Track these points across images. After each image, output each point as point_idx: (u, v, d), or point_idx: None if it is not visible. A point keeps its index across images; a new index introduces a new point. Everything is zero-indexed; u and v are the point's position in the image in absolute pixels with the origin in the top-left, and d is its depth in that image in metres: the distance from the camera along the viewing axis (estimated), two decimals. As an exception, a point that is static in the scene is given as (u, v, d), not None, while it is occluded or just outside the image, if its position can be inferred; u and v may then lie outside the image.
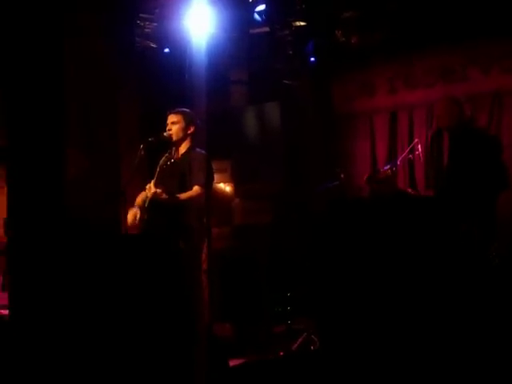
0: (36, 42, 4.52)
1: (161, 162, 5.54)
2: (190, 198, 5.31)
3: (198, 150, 5.57)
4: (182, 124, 5.55)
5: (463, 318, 4.23)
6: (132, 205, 5.66)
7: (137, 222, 5.46)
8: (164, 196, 5.23)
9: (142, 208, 5.47)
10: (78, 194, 4.79)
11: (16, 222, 4.54)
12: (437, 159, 7.57)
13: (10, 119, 4.57)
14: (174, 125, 5.56)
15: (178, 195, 5.32)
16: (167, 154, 5.59)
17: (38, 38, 4.53)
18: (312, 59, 8.00)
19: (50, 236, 4.54)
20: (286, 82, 8.35)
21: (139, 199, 5.57)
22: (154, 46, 7.68)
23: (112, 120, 5.40)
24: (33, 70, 4.55)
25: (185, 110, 5.63)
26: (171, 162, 5.40)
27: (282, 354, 6.47)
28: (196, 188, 5.35)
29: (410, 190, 6.79)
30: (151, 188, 5.27)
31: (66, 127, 4.83)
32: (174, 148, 5.62)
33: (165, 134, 5.55)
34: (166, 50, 7.68)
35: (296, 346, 6.44)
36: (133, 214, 5.49)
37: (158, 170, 5.44)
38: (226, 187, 8.19)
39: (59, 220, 4.59)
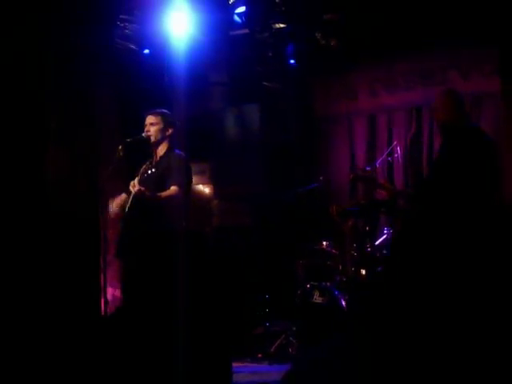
0: (13, 40, 4.57)
1: (141, 170, 5.54)
2: (170, 197, 5.33)
3: (176, 151, 5.56)
4: (161, 125, 5.52)
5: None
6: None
7: (123, 204, 5.51)
8: (147, 194, 5.24)
9: (121, 211, 5.53)
10: (58, 189, 4.85)
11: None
12: (416, 162, 7.70)
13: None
14: (152, 126, 5.53)
15: (159, 194, 5.32)
16: (148, 163, 5.59)
17: (15, 35, 4.58)
18: (292, 62, 8.02)
19: (30, 231, 4.60)
20: (266, 84, 8.38)
21: (116, 203, 5.62)
22: (133, 47, 7.70)
23: (92, 117, 5.46)
24: (11, 68, 4.59)
25: (164, 111, 5.61)
26: (152, 172, 5.45)
27: (260, 355, 6.56)
28: (174, 188, 5.34)
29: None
30: (135, 185, 5.28)
31: (47, 127, 4.89)
32: (154, 156, 5.65)
33: (143, 134, 5.52)
34: (146, 52, 7.68)
35: (275, 347, 6.54)
36: (120, 199, 5.55)
37: (139, 177, 5.48)
38: (205, 189, 8.25)
39: (42, 215, 4.65)
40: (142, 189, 5.24)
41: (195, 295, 5.23)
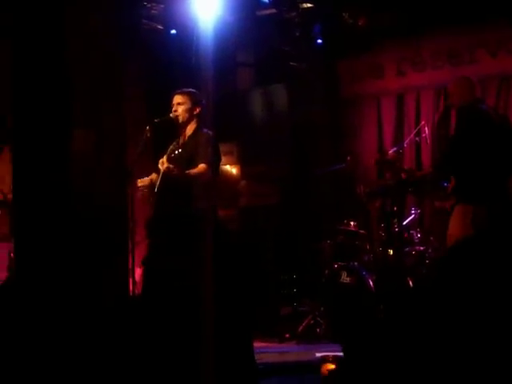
0: (38, 18, 4.49)
1: (169, 150, 5.47)
2: (199, 175, 5.24)
3: (204, 130, 5.46)
4: (188, 105, 5.42)
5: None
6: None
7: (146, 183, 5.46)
8: (176, 171, 5.17)
9: (150, 190, 5.46)
10: (84, 175, 4.78)
11: (21, 200, 4.54)
12: (444, 142, 7.58)
13: (15, 98, 4.55)
14: (179, 106, 5.44)
15: (189, 171, 5.24)
16: (175, 143, 5.52)
17: (39, 14, 4.50)
18: (319, 41, 7.96)
19: (55, 214, 4.55)
20: (293, 64, 8.30)
21: (141, 181, 5.56)
22: (160, 27, 7.63)
23: (118, 99, 5.38)
24: (36, 48, 4.52)
25: (191, 90, 5.50)
26: (179, 152, 5.37)
27: (287, 336, 6.50)
28: (202, 165, 5.25)
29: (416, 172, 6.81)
30: (164, 163, 5.21)
31: (72, 107, 4.81)
32: (180, 135, 5.57)
33: (171, 115, 5.44)
34: (173, 32, 7.61)
35: (302, 328, 6.47)
36: (144, 180, 5.50)
37: (167, 156, 5.41)
38: (232, 169, 8.20)
39: (65, 198, 4.59)
40: (171, 166, 5.17)
41: (221, 277, 5.20)
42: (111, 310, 4.74)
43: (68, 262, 4.71)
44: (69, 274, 4.67)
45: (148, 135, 5.37)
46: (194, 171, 5.26)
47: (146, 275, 5.45)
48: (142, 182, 5.48)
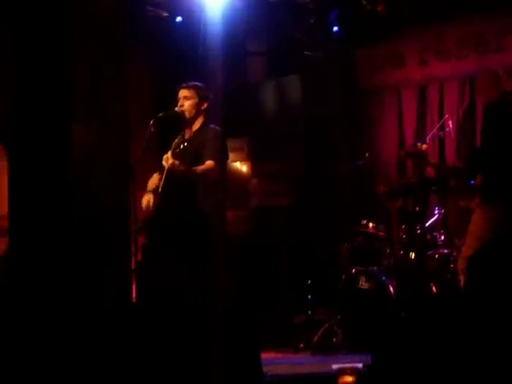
0: (38, 6, 4.49)
1: (173, 145, 5.47)
2: (205, 172, 5.26)
3: (212, 125, 5.49)
4: (195, 99, 5.44)
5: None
6: (142, 185, 5.66)
7: (151, 207, 5.46)
8: (181, 167, 5.18)
9: (155, 192, 5.46)
10: (85, 170, 4.78)
11: (18, 201, 4.54)
12: (469, 136, 7.56)
13: (12, 92, 4.55)
14: (186, 100, 5.45)
15: (195, 168, 5.25)
16: (180, 137, 5.53)
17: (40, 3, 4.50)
18: (335, 29, 7.95)
19: (53, 212, 4.55)
20: (308, 53, 8.28)
21: (151, 183, 5.56)
22: (165, 14, 7.62)
23: (121, 90, 5.38)
24: (34, 33, 4.51)
25: (198, 84, 5.53)
26: (184, 146, 5.37)
27: (302, 346, 6.49)
28: (210, 162, 5.26)
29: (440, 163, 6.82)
30: (169, 158, 5.21)
31: (71, 99, 4.81)
32: (186, 130, 5.57)
33: (176, 109, 5.45)
34: (179, 19, 7.62)
35: (317, 337, 6.48)
36: (147, 200, 5.48)
37: (171, 151, 5.41)
38: (242, 167, 8.20)
39: (63, 196, 4.59)
40: (177, 162, 5.17)
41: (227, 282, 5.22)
42: (111, 314, 4.75)
43: (65, 263, 4.71)
44: (65, 277, 4.67)
45: (152, 130, 5.36)
46: (200, 168, 5.26)
47: (139, 285, 5.41)
48: (145, 200, 5.48)
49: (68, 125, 4.80)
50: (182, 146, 5.40)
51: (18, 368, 4.01)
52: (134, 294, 5.41)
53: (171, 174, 5.23)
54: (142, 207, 5.46)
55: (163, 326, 4.76)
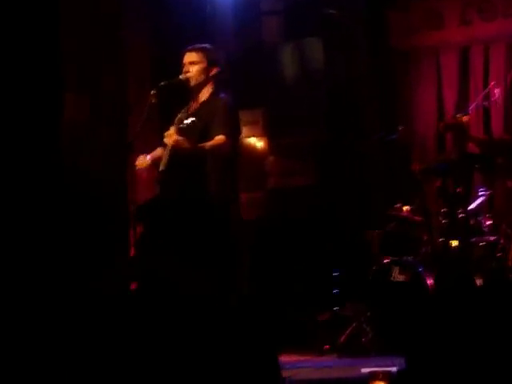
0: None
1: (177, 119, 5.47)
2: (215, 150, 5.22)
3: (222, 95, 5.46)
4: (203, 64, 5.42)
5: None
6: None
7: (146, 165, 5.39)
8: (187, 144, 5.14)
9: (154, 172, 5.42)
10: (77, 144, 4.77)
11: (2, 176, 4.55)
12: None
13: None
14: (192, 65, 5.42)
15: (203, 144, 5.22)
16: (185, 109, 5.48)
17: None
18: (363, -19, 7.99)
19: (42, 195, 4.56)
20: (330, 11, 8.16)
21: (154, 155, 5.50)
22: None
23: (118, 60, 5.35)
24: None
25: (206, 46, 5.51)
26: (191, 121, 5.30)
27: (327, 347, 6.44)
28: (220, 137, 5.22)
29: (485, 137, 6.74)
30: (172, 134, 5.17)
31: (63, 67, 4.80)
32: (192, 101, 5.50)
33: (181, 76, 5.43)
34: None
35: (344, 337, 6.46)
36: (143, 159, 5.44)
37: (175, 126, 5.37)
38: (257, 142, 8.17)
39: (53, 177, 4.59)
40: (181, 139, 5.14)
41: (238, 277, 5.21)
42: (110, 306, 4.74)
43: (57, 252, 4.75)
44: (57, 266, 4.71)
45: (153, 101, 5.35)
46: (209, 144, 5.22)
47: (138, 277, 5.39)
48: (141, 162, 5.41)
49: (58, 96, 4.79)
50: (187, 119, 5.31)
51: (15, 358, 4.02)
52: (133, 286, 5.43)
53: (175, 153, 5.20)
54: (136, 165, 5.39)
55: (165, 323, 4.73)
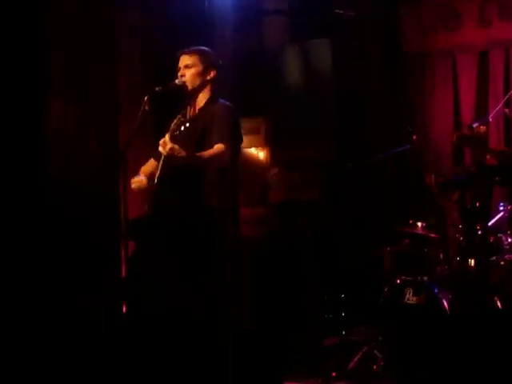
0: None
1: (172, 126, 5.46)
2: (213, 160, 5.25)
3: (221, 101, 5.51)
4: (199, 67, 5.46)
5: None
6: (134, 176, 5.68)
7: (143, 186, 5.46)
8: (183, 154, 5.13)
9: (150, 182, 5.46)
10: (63, 155, 4.79)
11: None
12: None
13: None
14: (188, 69, 5.46)
15: (200, 153, 5.24)
16: (180, 116, 5.51)
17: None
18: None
19: (24, 211, 4.58)
20: (339, 11, 8.29)
21: (145, 169, 5.57)
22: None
23: (108, 64, 5.40)
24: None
25: (203, 48, 5.56)
26: (186, 127, 5.36)
27: (334, 374, 6.49)
28: (219, 146, 5.25)
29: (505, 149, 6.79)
30: (167, 143, 5.15)
31: (48, 71, 4.83)
32: (188, 107, 5.57)
33: (176, 81, 5.48)
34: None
35: (353, 364, 6.51)
36: (139, 181, 5.48)
37: (169, 134, 5.39)
38: (259, 153, 8.17)
39: (37, 190, 4.61)
40: (176, 147, 5.13)
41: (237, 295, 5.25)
42: (100, 330, 4.81)
43: (41, 274, 4.76)
44: (41, 289, 4.72)
45: (146, 108, 5.35)
46: (207, 154, 5.25)
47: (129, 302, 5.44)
48: (137, 184, 5.46)
49: (43, 102, 4.81)
50: (183, 127, 5.35)
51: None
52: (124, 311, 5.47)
53: (170, 163, 5.21)
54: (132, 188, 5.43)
55: (158, 351, 4.79)
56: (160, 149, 5.22)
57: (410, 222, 6.80)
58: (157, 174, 5.29)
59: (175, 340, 4.96)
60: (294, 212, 7.96)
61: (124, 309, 5.41)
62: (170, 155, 5.13)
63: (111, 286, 5.50)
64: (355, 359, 6.51)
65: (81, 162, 5.09)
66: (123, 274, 5.60)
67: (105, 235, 5.40)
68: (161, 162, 5.27)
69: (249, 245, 6.76)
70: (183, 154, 5.14)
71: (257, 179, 7.99)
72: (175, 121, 5.37)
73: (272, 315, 7.05)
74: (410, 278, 6.48)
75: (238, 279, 5.55)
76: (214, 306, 5.10)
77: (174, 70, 5.54)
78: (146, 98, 5.37)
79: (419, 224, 6.75)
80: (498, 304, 6.11)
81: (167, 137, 5.22)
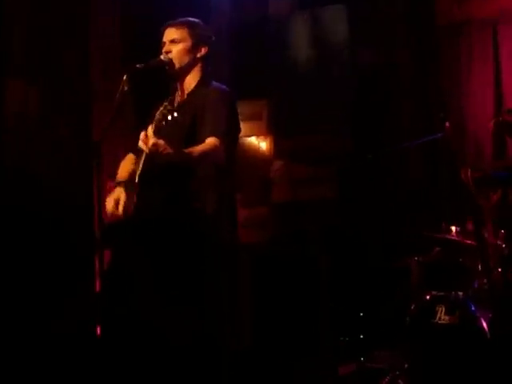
0: None
1: (156, 115, 5.44)
2: (205, 156, 5.23)
3: (214, 83, 5.52)
4: (188, 42, 5.48)
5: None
6: (111, 171, 5.66)
7: (120, 210, 5.41)
8: (168, 150, 5.07)
9: (128, 186, 5.44)
10: (26, 148, 4.79)
11: None
12: None
13: None
14: (174, 44, 5.48)
15: (190, 150, 5.20)
16: (166, 104, 5.49)
17: None
18: None
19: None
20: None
21: (122, 171, 5.55)
22: None
23: (80, 37, 5.39)
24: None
25: (192, 20, 5.57)
26: (173, 117, 5.32)
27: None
28: (211, 139, 5.23)
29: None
30: (150, 137, 5.08)
31: (7, 46, 4.85)
32: (176, 91, 5.59)
33: (162, 57, 5.48)
34: None
35: (373, 395, 6.61)
36: (115, 198, 5.45)
37: (153, 125, 5.35)
38: (260, 143, 8.24)
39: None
40: (161, 142, 5.09)
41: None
42: (71, 347, 4.83)
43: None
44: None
45: (125, 89, 5.30)
46: (198, 149, 5.23)
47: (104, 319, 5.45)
48: (110, 208, 5.44)
49: (2, 80, 4.84)
50: (170, 116, 5.33)
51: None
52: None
53: (153, 160, 5.18)
54: (106, 211, 5.39)
55: (138, 377, 4.80)
56: (141, 144, 5.16)
57: (442, 226, 6.75)
58: (138, 173, 5.28)
59: (157, 365, 4.98)
60: (301, 213, 7.98)
61: (98, 330, 5.46)
62: (154, 152, 5.06)
63: (83, 303, 5.51)
64: (376, 390, 6.55)
65: (45, 152, 5.06)
66: (97, 288, 5.62)
67: (75, 241, 5.41)
68: (142, 158, 5.25)
69: (248, 252, 6.76)
70: (169, 151, 5.07)
71: (257, 174, 8.04)
72: (160, 109, 5.33)
73: (275, 331, 7.06)
74: (441, 294, 6.47)
75: (235, 292, 5.56)
76: (203, 328, 5.10)
77: (159, 45, 5.54)
78: (124, 77, 5.31)
79: (453, 228, 6.70)
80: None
81: (150, 129, 5.16)
